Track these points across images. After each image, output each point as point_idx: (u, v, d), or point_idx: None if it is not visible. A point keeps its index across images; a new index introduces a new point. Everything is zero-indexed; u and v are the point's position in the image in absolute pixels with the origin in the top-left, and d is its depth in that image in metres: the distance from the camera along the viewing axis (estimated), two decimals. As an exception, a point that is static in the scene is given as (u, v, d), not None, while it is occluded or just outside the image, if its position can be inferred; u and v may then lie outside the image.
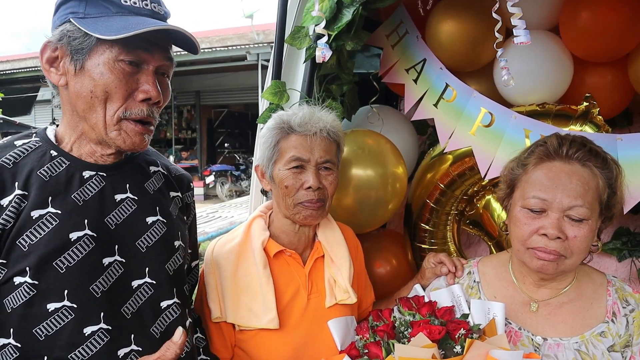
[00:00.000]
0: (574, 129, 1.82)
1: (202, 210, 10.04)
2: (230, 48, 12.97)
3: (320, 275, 1.66)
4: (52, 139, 1.29)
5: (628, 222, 2.46)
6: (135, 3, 1.22)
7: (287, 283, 1.61)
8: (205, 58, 13.53)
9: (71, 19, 1.20)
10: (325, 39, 1.77)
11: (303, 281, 1.63)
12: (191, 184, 1.58)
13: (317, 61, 1.79)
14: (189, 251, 1.55)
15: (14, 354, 1.16)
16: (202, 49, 13.53)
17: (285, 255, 1.64)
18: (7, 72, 16.20)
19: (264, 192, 2.00)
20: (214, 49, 13.16)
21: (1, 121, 12.10)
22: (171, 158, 16.91)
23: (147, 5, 1.24)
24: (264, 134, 1.62)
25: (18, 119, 13.66)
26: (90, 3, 1.21)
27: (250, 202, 2.20)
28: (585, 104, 1.82)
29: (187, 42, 1.30)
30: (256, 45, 12.37)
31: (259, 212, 1.73)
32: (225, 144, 17.68)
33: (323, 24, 1.79)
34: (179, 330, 1.18)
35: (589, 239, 1.33)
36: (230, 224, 7.75)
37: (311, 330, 1.59)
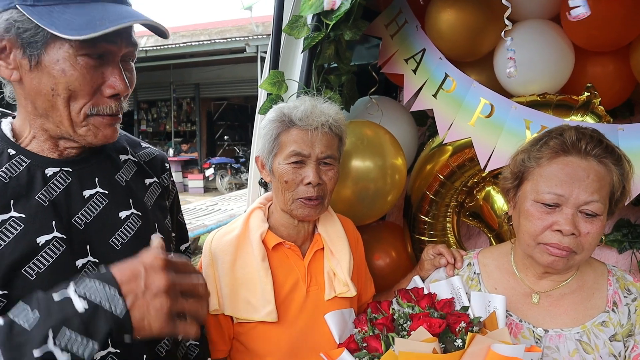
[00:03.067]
0: (575, 119, 1.80)
1: (202, 203, 10.03)
2: (229, 40, 12.96)
3: (320, 268, 1.65)
4: (9, 134, 1.18)
5: (629, 213, 2.45)
6: None
7: (285, 275, 1.60)
8: (204, 50, 13.53)
9: (18, 6, 1.05)
10: None
11: (302, 274, 1.61)
12: (166, 165, 1.46)
13: (326, 8, 1.75)
14: (173, 235, 1.46)
15: None
16: (201, 41, 13.63)
17: (284, 248, 1.63)
18: None
19: (262, 184, 1.99)
20: (213, 41, 13.15)
21: None
22: (171, 151, 16.92)
23: None
24: (264, 125, 1.60)
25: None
26: None
27: (248, 194, 2.19)
28: (586, 94, 1.81)
29: (156, 28, 1.17)
30: (255, 37, 12.35)
31: (258, 203, 1.72)
32: (225, 137, 17.71)
33: None
34: (156, 237, 1.07)
35: (600, 234, 1.32)
36: (230, 217, 7.75)
37: (310, 323, 1.58)
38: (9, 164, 1.13)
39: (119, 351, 1.19)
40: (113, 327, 0.92)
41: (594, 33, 1.89)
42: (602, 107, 1.81)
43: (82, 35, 1.03)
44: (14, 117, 1.24)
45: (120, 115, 1.21)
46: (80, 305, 0.91)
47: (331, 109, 1.58)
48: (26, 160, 1.16)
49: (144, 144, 1.45)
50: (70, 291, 0.93)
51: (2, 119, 1.23)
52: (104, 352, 1.17)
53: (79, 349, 0.90)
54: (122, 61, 1.17)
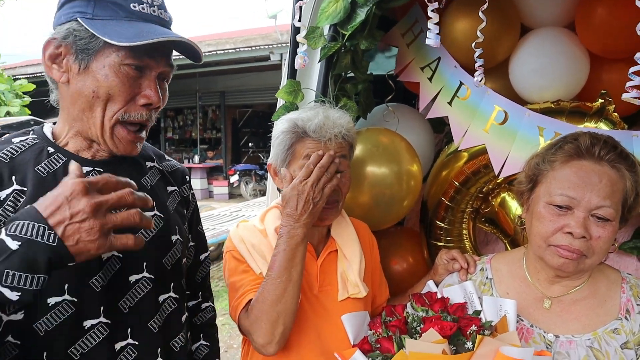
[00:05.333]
0: (589, 125, 1.81)
1: (226, 209, 10.14)
2: (254, 48, 13.07)
3: (333, 269, 1.68)
4: (49, 136, 1.31)
5: (649, 220, 2.41)
6: (143, 9, 1.24)
7: None
8: (230, 59, 13.65)
9: (78, 18, 1.20)
10: (305, 47, 1.85)
11: (314, 273, 1.65)
12: (187, 177, 1.59)
13: (296, 68, 1.87)
14: (192, 244, 1.57)
15: (12, 351, 1.17)
16: (226, 49, 13.76)
17: None
18: (38, 74, 16.58)
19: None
20: (238, 50, 13.27)
21: (32, 122, 12.38)
22: (196, 158, 17.10)
23: (154, 12, 1.26)
24: (277, 135, 1.64)
25: (49, 121, 13.96)
26: (99, 4, 1.21)
27: (267, 200, 2.23)
28: (600, 100, 1.81)
29: (191, 50, 1.32)
30: (280, 45, 12.44)
31: (275, 203, 1.76)
32: (250, 144, 17.82)
33: (303, 33, 1.87)
34: (72, 164, 1.10)
35: (611, 240, 1.33)
36: (254, 223, 7.84)
37: (322, 321, 1.61)
38: (47, 160, 1.25)
39: (137, 343, 1.28)
40: (52, 257, 0.96)
41: (609, 40, 1.89)
42: (616, 114, 1.82)
43: (132, 42, 1.17)
44: (54, 124, 1.36)
45: (144, 134, 1.33)
46: (13, 244, 0.94)
47: (343, 119, 1.62)
48: (63, 158, 1.27)
49: (167, 157, 1.57)
50: (2, 235, 0.96)
51: (45, 124, 1.36)
52: (124, 343, 1.26)
53: (26, 283, 0.95)
54: (158, 79, 1.29)
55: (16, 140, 1.28)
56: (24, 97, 12.17)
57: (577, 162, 1.36)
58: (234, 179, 15.56)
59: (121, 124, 1.26)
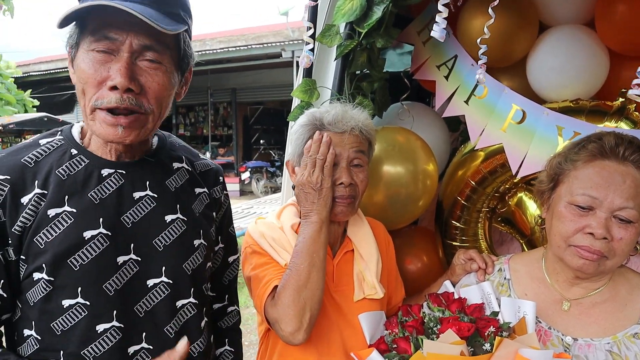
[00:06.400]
0: (609, 125, 1.78)
1: (238, 206, 10.20)
2: (265, 45, 13.08)
3: (349, 269, 1.66)
4: (77, 136, 1.30)
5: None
6: None
7: None
8: (241, 56, 13.68)
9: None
10: (310, 46, 1.86)
11: (330, 273, 1.63)
12: (220, 178, 1.54)
13: (302, 67, 1.87)
14: (221, 246, 1.55)
15: (35, 346, 1.20)
16: (238, 46, 13.77)
17: None
18: (50, 71, 16.71)
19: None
20: (249, 47, 13.29)
21: (45, 119, 12.50)
22: (208, 154, 17.15)
23: None
24: (295, 130, 1.63)
25: (61, 117, 14.10)
26: None
27: (282, 197, 2.23)
28: (620, 99, 1.78)
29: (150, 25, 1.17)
30: (291, 42, 12.43)
31: (291, 201, 1.74)
32: (261, 141, 17.83)
33: (311, 32, 1.86)
34: (183, 341, 1.21)
35: (633, 242, 1.31)
36: (265, 220, 7.89)
37: (337, 321, 1.59)
38: (69, 163, 1.24)
39: (151, 347, 1.26)
40: None
41: (629, 37, 1.86)
42: (637, 113, 1.78)
43: (58, 21, 1.13)
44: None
45: (130, 119, 1.21)
46: None
47: (361, 115, 1.61)
48: (85, 160, 1.26)
49: (201, 157, 1.54)
50: None
51: (75, 124, 1.35)
52: (137, 347, 1.25)
53: None
54: (142, 60, 1.20)
55: (43, 142, 1.27)
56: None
57: (600, 161, 1.33)
58: (245, 176, 15.57)
59: (101, 110, 1.19)
